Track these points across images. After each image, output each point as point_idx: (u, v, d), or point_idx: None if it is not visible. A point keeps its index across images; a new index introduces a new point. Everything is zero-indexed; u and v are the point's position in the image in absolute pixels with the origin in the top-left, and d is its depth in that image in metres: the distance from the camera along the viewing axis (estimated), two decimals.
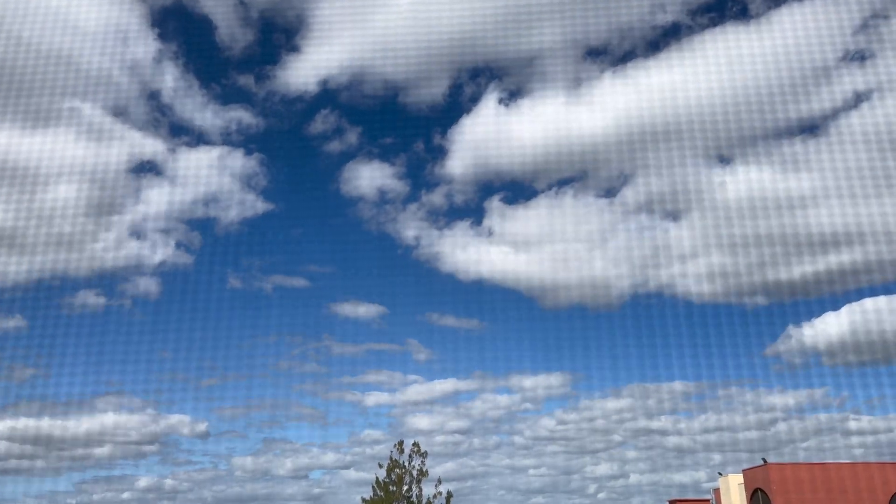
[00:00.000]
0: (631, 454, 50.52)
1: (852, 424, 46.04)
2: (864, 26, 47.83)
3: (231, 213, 53.81)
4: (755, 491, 41.76)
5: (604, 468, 50.25)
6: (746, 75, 45.83)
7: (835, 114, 48.52)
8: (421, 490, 41.13)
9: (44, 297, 46.25)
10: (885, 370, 42.93)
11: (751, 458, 43.47)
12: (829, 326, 46.11)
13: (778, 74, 46.26)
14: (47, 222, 45.51)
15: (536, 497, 50.59)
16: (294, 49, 55.91)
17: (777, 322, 47.55)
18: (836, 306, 47.85)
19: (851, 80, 48.78)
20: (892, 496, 38.71)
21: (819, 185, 44.93)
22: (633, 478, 48.29)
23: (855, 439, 45.67)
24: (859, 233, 42.25)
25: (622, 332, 47.63)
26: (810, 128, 48.90)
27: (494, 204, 55.89)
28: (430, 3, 46.15)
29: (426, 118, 57.31)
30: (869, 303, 45.05)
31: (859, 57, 49.07)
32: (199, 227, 53.87)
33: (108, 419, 48.39)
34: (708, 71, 45.86)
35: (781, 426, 46.35)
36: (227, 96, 56.43)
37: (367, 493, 41.46)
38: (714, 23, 51.96)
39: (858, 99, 48.10)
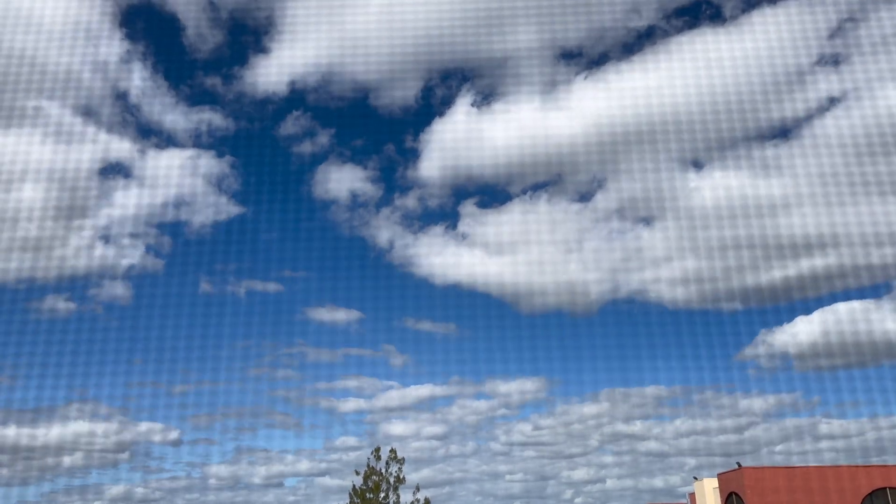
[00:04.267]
0: (607, 459, 50.79)
1: (824, 428, 46.73)
2: (838, 30, 48.32)
3: (202, 217, 52.93)
4: (730, 495, 42.14)
5: (580, 473, 50.44)
6: (721, 79, 45.99)
7: (808, 118, 49.05)
8: (398, 497, 40.77)
9: (9, 301, 45.10)
10: (857, 374, 43.54)
11: (725, 462, 43.99)
12: (802, 331, 46.66)
13: (752, 78, 46.55)
14: (13, 225, 44.31)
15: (514, 502, 50.62)
16: (263, 50, 55.14)
17: (750, 327, 48.02)
18: (808, 311, 48.46)
19: (825, 83, 49.31)
20: (864, 499, 39.30)
21: (792, 189, 45.38)
22: (610, 482, 48.54)
23: (826, 443, 46.34)
24: (832, 238, 42.76)
25: (598, 337, 47.81)
26: (784, 132, 49.39)
27: (468, 208, 55.69)
28: (401, 3, 45.60)
29: (398, 121, 56.98)
30: (841, 307, 45.69)
31: (833, 61, 49.58)
32: (169, 230, 52.96)
33: (78, 427, 47.41)
34: (682, 74, 45.99)
35: (755, 430, 46.87)
36: (197, 97, 55.51)
37: (344, 501, 41.04)
38: (689, 26, 52.19)
39: (832, 102, 48.63)
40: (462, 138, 52.68)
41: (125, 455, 49.13)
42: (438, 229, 56.18)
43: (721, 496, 43.41)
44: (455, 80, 56.41)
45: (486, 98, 54.77)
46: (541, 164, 50.23)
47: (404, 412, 53.29)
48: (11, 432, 44.09)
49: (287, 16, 52.23)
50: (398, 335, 53.54)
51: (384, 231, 55.39)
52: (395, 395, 53.01)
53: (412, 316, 52.36)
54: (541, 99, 52.83)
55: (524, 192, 53.56)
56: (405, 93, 54.56)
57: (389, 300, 51.63)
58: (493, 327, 49.98)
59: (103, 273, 51.12)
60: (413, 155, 57.27)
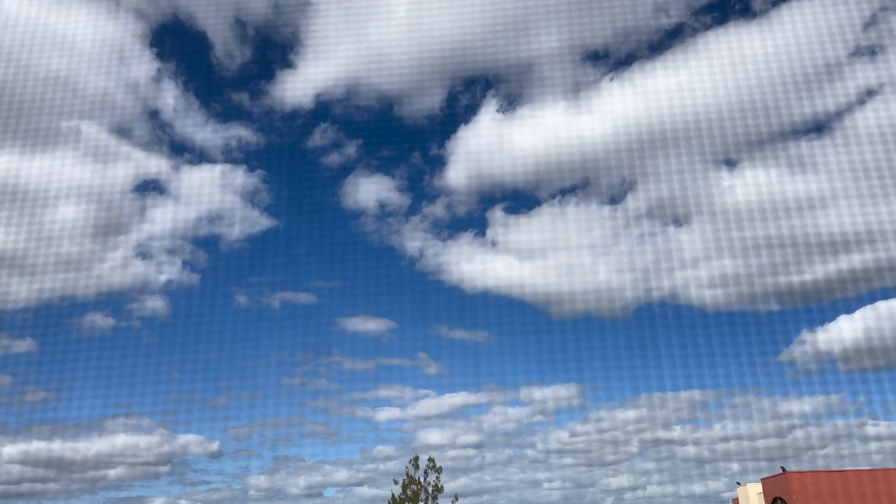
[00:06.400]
0: (647, 465, 49.87)
1: (870, 430, 45.33)
2: (873, 20, 47.16)
3: (235, 231, 53.53)
4: (775, 500, 41.31)
5: (620, 480, 49.63)
6: (751, 75, 45.21)
7: (844, 111, 47.85)
8: None
9: (53, 319, 46.07)
10: None
11: (769, 467, 42.96)
12: (844, 330, 45.43)
13: (784, 73, 45.62)
14: (54, 244, 45.35)
15: None
16: (289, 65, 55.65)
17: (790, 327, 46.82)
18: (850, 310, 47.12)
19: (860, 76, 48.04)
20: None
21: (829, 185, 44.28)
22: (651, 489, 47.68)
23: (874, 445, 45.00)
24: (872, 233, 41.66)
25: (632, 341, 46.91)
26: (819, 127, 48.23)
27: (497, 214, 55.35)
28: (425, 13, 45.63)
29: (424, 129, 56.85)
30: (884, 305, 44.39)
31: (869, 52, 48.32)
32: (204, 245, 53.60)
33: (120, 440, 48.20)
34: (711, 72, 45.28)
35: (799, 433, 45.65)
36: (227, 113, 56.15)
37: None
38: (717, 22, 51.33)
39: (868, 95, 47.39)
40: (488, 145, 52.46)
41: (167, 467, 49.82)
42: (467, 236, 56.07)
43: (765, 501, 42.57)
44: (479, 86, 56.35)
45: (511, 103, 54.57)
46: (569, 168, 49.73)
47: (440, 420, 53.17)
48: (57, 447, 45.06)
49: (311, 30, 52.68)
50: (431, 343, 53.43)
51: (414, 240, 55.45)
52: (430, 404, 52.92)
53: (444, 324, 52.25)
54: (567, 102, 52.38)
55: (552, 196, 53.11)
56: (430, 101, 54.58)
57: (422, 309, 51.53)
58: (525, 333, 49.63)
59: (141, 288, 52.01)
60: (439, 163, 57.25)
